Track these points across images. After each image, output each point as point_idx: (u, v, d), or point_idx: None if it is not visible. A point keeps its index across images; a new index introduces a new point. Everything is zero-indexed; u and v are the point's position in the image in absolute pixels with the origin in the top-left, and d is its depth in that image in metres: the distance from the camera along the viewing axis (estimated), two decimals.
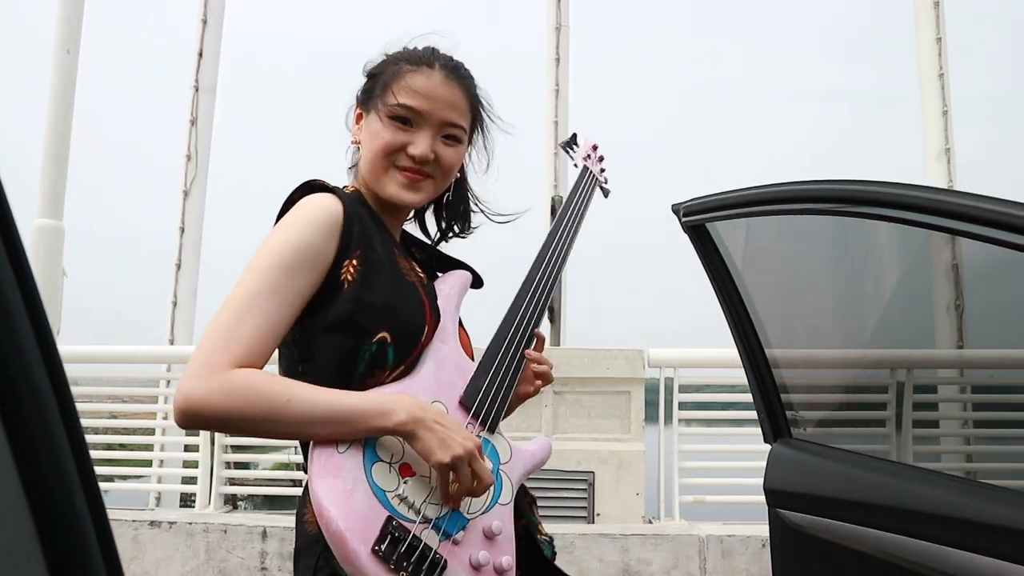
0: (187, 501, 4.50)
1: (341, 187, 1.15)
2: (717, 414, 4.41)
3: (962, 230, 1.17)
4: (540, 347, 1.22)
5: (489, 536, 1.03)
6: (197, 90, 5.93)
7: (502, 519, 1.05)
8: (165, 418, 4.52)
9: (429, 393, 1.05)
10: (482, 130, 1.23)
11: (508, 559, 1.04)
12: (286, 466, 4.62)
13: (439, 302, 1.12)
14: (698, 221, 1.63)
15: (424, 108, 1.11)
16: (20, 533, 0.37)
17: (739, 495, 4.12)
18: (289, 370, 1.08)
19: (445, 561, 0.97)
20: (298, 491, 5.27)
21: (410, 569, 0.94)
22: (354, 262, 1.04)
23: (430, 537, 0.97)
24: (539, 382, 1.21)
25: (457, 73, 1.15)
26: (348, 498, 0.94)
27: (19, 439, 0.37)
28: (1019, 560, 1.15)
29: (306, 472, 1.01)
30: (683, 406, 4.12)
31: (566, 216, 1.31)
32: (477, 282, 1.22)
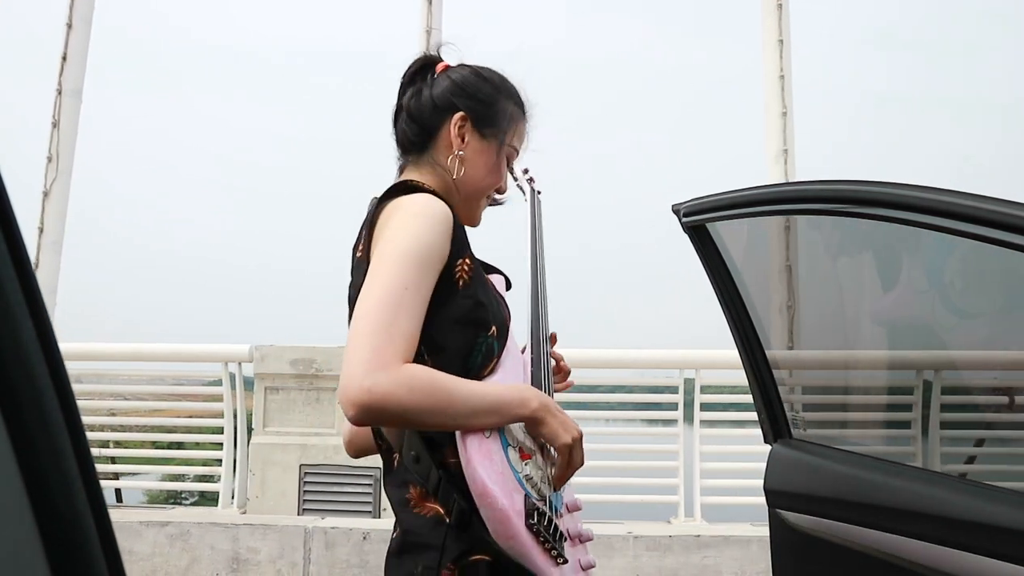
0: None
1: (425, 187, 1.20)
2: None
3: (962, 230, 1.17)
4: (553, 342, 1.33)
5: (572, 510, 1.15)
6: (60, 93, 6.05)
7: (572, 496, 1.17)
8: None
9: (517, 382, 1.13)
10: None
11: (588, 529, 1.15)
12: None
13: None
14: (698, 222, 1.63)
15: (521, 154, 1.30)
16: (22, 533, 0.37)
17: None
18: (416, 360, 1.08)
19: (563, 533, 1.07)
20: None
21: (551, 541, 1.03)
22: (467, 262, 1.12)
23: (550, 512, 1.06)
24: (571, 380, 1.35)
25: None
26: (503, 479, 1.01)
27: (21, 439, 0.37)
28: (1019, 560, 1.15)
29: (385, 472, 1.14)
30: None
31: (535, 231, 1.40)
32: (508, 284, 1.31)
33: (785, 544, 1.62)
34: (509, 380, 1.10)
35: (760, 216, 1.55)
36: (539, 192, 1.53)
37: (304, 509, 4.18)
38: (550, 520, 1.04)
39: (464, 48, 1.29)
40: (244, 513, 4.18)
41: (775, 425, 1.73)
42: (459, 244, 1.11)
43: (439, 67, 1.27)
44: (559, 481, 1.09)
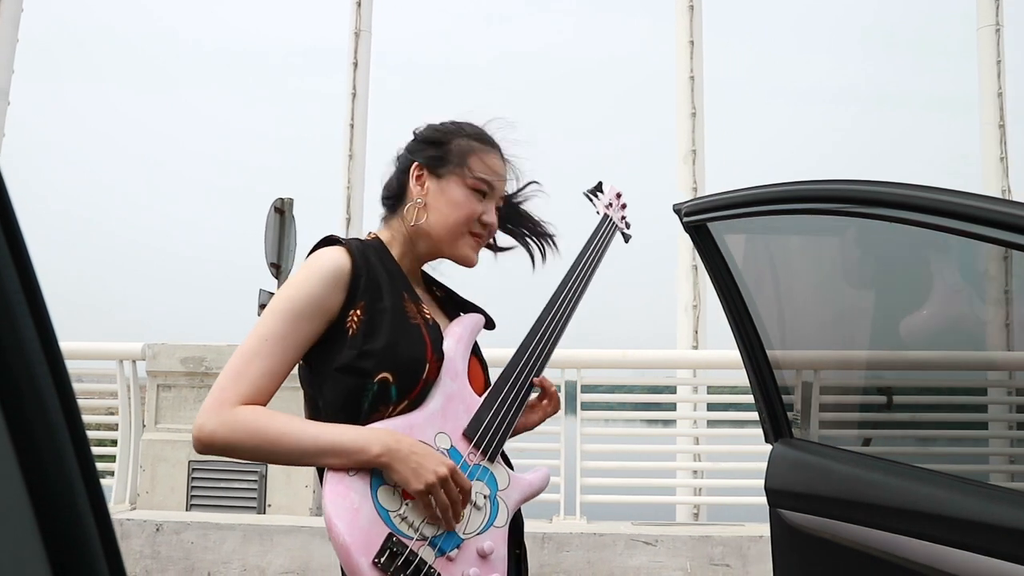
0: None
1: (363, 236, 1.27)
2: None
3: (962, 230, 1.16)
4: (540, 384, 1.31)
5: (482, 555, 1.12)
6: None
7: (495, 540, 1.14)
8: None
9: (434, 425, 1.14)
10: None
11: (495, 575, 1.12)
12: None
13: (449, 342, 1.21)
14: (700, 221, 1.63)
15: (497, 184, 1.28)
16: (23, 532, 0.37)
17: None
18: (309, 405, 1.21)
19: (439, 575, 1.07)
20: None
21: None
22: (358, 312, 1.15)
23: (427, 553, 1.07)
24: (547, 406, 1.32)
25: (503, 154, 1.32)
26: (355, 515, 1.05)
27: (21, 438, 0.37)
28: (1019, 560, 1.15)
29: None
30: None
31: (581, 261, 1.40)
32: (490, 323, 1.33)
33: (786, 544, 1.62)
34: (418, 422, 1.13)
35: (762, 216, 1.55)
36: (621, 220, 1.52)
37: (192, 505, 4.28)
38: (411, 560, 1.04)
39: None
40: (134, 509, 4.29)
41: (775, 425, 1.73)
42: (355, 295, 1.15)
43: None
44: (440, 524, 1.09)
